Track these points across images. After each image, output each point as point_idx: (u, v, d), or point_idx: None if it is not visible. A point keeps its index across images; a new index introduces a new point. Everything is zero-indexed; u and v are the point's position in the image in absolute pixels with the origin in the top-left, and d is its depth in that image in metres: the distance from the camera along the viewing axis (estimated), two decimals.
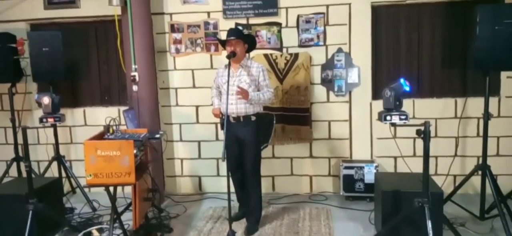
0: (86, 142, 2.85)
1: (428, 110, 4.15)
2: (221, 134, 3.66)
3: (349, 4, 4.16)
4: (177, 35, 4.42)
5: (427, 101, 4.21)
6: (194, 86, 4.45)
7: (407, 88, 2.69)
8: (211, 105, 3.76)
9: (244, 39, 3.45)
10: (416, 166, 3.85)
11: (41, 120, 3.06)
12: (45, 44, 4.00)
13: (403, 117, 2.55)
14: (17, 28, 4.47)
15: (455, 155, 4.11)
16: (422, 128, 2.49)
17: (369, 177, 3.99)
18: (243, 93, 3.23)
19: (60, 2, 4.51)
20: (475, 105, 3.99)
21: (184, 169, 4.60)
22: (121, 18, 4.14)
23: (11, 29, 4.41)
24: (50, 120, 3.05)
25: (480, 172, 3.46)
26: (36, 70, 4.04)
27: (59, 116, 3.12)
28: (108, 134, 3.08)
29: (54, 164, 4.27)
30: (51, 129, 4.20)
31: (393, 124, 2.58)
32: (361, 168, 4.04)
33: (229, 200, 3.13)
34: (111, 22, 4.27)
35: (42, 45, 3.99)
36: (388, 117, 2.56)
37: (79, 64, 4.65)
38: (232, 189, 3.60)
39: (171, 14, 4.40)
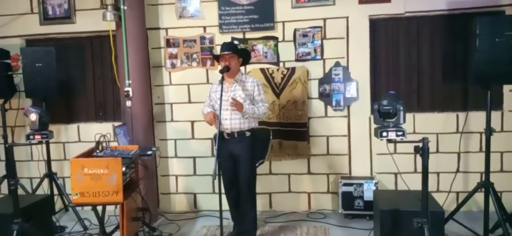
0: (72, 160, 2.77)
1: (429, 125, 4.05)
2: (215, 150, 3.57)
3: (347, 17, 4.10)
4: (173, 50, 4.37)
5: (428, 115, 4.11)
6: (189, 101, 4.38)
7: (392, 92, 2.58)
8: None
9: (238, 53, 3.39)
10: (417, 182, 3.71)
11: (28, 137, 2.99)
12: (38, 59, 3.96)
13: (400, 133, 2.44)
14: (12, 44, 4.44)
15: (457, 171, 3.98)
16: (420, 144, 2.37)
17: (369, 195, 3.86)
18: (237, 105, 3.15)
19: (55, 18, 4.49)
20: (477, 119, 3.89)
21: (179, 186, 4.50)
22: (116, 33, 4.10)
23: (7, 45, 4.38)
24: (37, 137, 2.98)
25: (483, 189, 3.32)
26: (29, 86, 4.00)
27: (46, 133, 3.05)
28: (97, 151, 3.00)
29: (47, 181, 4.18)
30: (45, 145, 4.12)
31: (390, 141, 2.47)
32: (361, 185, 3.92)
33: (221, 218, 3.03)
34: (106, 37, 4.23)
35: (35, 60, 3.95)
36: (384, 133, 2.46)
37: (73, 80, 4.60)
38: (227, 207, 3.51)
39: (166, 29, 4.36)
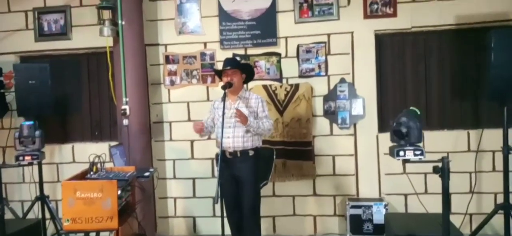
0: (64, 182, 2.58)
1: (438, 144, 3.86)
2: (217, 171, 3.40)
3: (352, 32, 3.98)
4: (172, 67, 4.22)
5: (438, 133, 3.94)
6: (189, 119, 4.21)
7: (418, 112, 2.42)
8: (207, 138, 3.51)
9: (241, 69, 3.24)
10: (428, 204, 3.59)
11: (17, 159, 2.79)
12: (32, 76, 3.80)
13: (418, 152, 2.27)
14: (6, 61, 4.29)
15: (473, 192, 3.79)
16: (440, 164, 2.20)
17: (378, 217, 3.67)
18: (241, 117, 2.99)
19: (51, 34, 4.37)
20: (490, 137, 3.71)
21: (177, 209, 4.29)
22: (113, 49, 3.97)
23: (0, 61, 4.24)
24: (27, 158, 2.79)
25: (501, 212, 3.14)
26: (21, 103, 3.83)
27: (37, 154, 2.86)
28: (91, 173, 2.81)
29: (38, 205, 3.96)
30: (37, 167, 3.93)
31: (407, 161, 2.30)
32: (369, 207, 3.73)
33: None
34: (104, 54, 4.09)
35: (29, 77, 3.79)
36: (401, 153, 2.28)
37: (69, 98, 4.44)
38: (229, 231, 3.30)
39: (166, 45, 4.23)
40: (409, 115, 2.30)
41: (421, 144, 2.35)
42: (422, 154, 2.29)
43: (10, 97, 4.11)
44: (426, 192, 3.87)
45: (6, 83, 4.19)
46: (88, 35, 4.20)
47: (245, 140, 3.13)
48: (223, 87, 3.11)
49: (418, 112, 2.43)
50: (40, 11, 4.36)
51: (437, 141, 3.88)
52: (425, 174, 3.85)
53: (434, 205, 3.59)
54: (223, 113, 2.99)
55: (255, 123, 3.08)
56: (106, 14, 3.84)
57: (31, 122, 2.96)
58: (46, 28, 4.37)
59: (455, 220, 3.72)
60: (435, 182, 3.71)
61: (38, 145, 3.11)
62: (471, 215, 3.85)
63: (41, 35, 4.37)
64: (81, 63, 4.43)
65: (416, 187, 3.78)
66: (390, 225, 2.95)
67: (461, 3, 3.85)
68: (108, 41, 3.94)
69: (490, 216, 3.22)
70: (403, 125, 2.22)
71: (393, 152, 2.32)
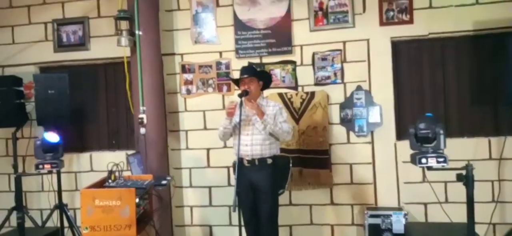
0: (83, 190, 2.60)
1: (458, 151, 3.73)
2: (234, 179, 3.38)
3: (368, 40, 3.95)
4: (188, 76, 4.25)
5: (457, 141, 3.85)
6: (205, 128, 4.23)
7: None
8: (223, 146, 3.50)
9: (258, 76, 3.24)
10: (449, 213, 3.54)
11: (36, 167, 2.83)
12: (51, 86, 3.88)
13: (441, 159, 2.21)
14: (26, 72, 4.38)
15: (497, 201, 3.69)
16: (464, 172, 2.14)
17: (398, 227, 3.58)
18: (257, 110, 3.00)
19: (69, 45, 4.45)
20: (511, 144, 3.63)
21: (194, 218, 4.28)
22: (130, 59, 4.02)
23: (21, 72, 4.33)
24: (47, 166, 2.83)
25: None
26: (41, 113, 3.91)
27: (56, 162, 2.90)
28: (110, 181, 2.83)
29: (57, 213, 4.00)
30: (55, 175, 3.97)
31: (429, 168, 2.25)
32: (388, 216, 3.65)
33: None
34: (121, 64, 4.14)
35: (48, 87, 3.88)
36: (423, 160, 2.23)
37: (87, 107, 4.51)
38: None
39: (182, 55, 4.26)
40: (429, 121, 2.25)
41: (443, 151, 2.30)
42: (445, 161, 2.24)
43: (30, 106, 4.18)
44: (446, 201, 3.78)
45: (26, 93, 4.27)
46: (106, 46, 4.28)
47: (263, 148, 3.12)
48: (240, 95, 3.11)
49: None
50: (59, 23, 4.45)
51: (457, 149, 3.77)
52: (445, 182, 3.77)
53: (455, 214, 3.55)
54: (240, 120, 2.99)
55: (272, 120, 3.05)
56: (124, 24, 3.89)
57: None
58: (65, 39, 4.45)
59: (479, 229, 3.60)
60: (456, 191, 3.70)
61: (57, 154, 3.13)
62: (494, 224, 3.75)
63: (60, 46, 4.46)
64: (99, 73, 4.50)
65: (436, 196, 3.72)
66: (412, 235, 2.88)
67: (478, 8, 3.78)
68: (125, 51, 3.99)
69: None
70: (428, 131, 2.17)
71: (415, 159, 2.27)
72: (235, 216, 4.04)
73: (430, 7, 3.86)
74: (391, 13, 3.91)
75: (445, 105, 3.95)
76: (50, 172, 3.44)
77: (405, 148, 3.78)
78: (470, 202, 2.19)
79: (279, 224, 3.36)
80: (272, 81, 3.53)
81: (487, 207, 3.70)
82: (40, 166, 2.87)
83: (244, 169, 3.10)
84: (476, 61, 3.87)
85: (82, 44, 4.41)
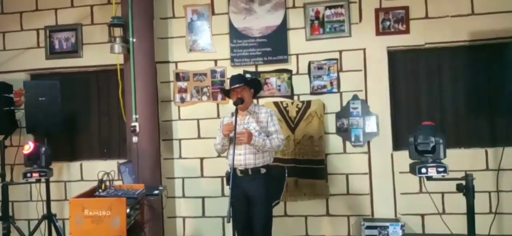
0: (72, 200, 2.51)
1: (455, 162, 3.68)
2: (228, 189, 3.30)
3: (364, 49, 3.94)
4: (183, 84, 4.19)
5: (454, 152, 3.79)
6: (199, 137, 4.16)
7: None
8: (217, 156, 3.43)
9: (249, 85, 3.21)
10: (448, 224, 3.46)
11: (24, 175, 2.74)
12: (42, 94, 3.81)
13: (441, 169, 2.17)
14: (17, 79, 4.29)
15: (496, 212, 3.64)
16: (464, 182, 2.10)
17: None
18: (243, 136, 2.93)
19: (62, 52, 4.37)
20: (509, 155, 3.60)
21: (186, 229, 4.18)
22: (124, 67, 3.96)
23: (11, 79, 4.24)
24: (35, 175, 2.73)
25: None
26: (31, 121, 3.83)
27: (45, 170, 2.80)
28: (100, 190, 2.74)
29: (45, 224, 3.88)
30: (44, 185, 3.86)
31: (429, 178, 2.20)
32: (385, 228, 3.59)
33: None
34: (114, 72, 4.08)
35: (38, 95, 3.80)
36: (423, 170, 2.18)
37: (78, 115, 4.42)
38: None
39: (176, 63, 4.21)
40: (430, 130, 2.21)
41: (444, 161, 2.25)
42: (445, 171, 2.19)
43: (20, 114, 4.08)
44: (443, 212, 3.73)
45: (16, 100, 4.17)
46: (99, 53, 4.22)
47: (257, 157, 3.06)
48: (235, 103, 3.06)
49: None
50: (52, 30, 4.38)
51: (454, 159, 3.72)
52: (443, 193, 3.72)
53: (452, 226, 3.49)
54: (235, 129, 2.93)
55: (261, 141, 3.01)
56: (117, 31, 3.83)
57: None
58: (57, 46, 4.38)
59: None
60: (453, 202, 3.66)
61: (45, 162, 3.04)
62: None
63: (52, 53, 4.38)
64: (91, 80, 4.42)
65: (434, 207, 3.65)
66: None
67: (474, 19, 3.79)
68: (118, 58, 3.93)
69: None
70: (429, 141, 2.12)
71: (415, 169, 2.22)
72: (228, 227, 3.98)
73: (427, 17, 3.86)
74: (388, 23, 3.90)
75: (441, 115, 3.93)
76: (38, 181, 3.34)
77: (401, 158, 3.79)
78: (470, 213, 2.15)
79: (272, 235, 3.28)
80: (262, 86, 3.48)
81: (484, 218, 3.65)
82: (28, 175, 2.77)
83: (238, 180, 3.03)
84: (472, 71, 3.86)
85: (74, 51, 4.34)
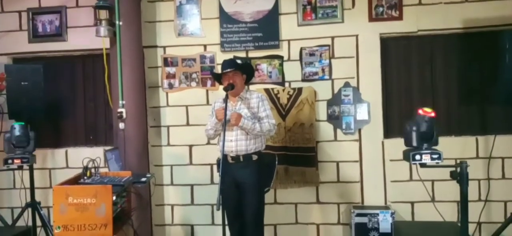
0: (55, 187, 2.43)
1: (445, 150, 3.69)
2: (217, 177, 3.25)
3: (356, 35, 3.88)
4: (171, 69, 4.09)
5: (445, 139, 3.75)
6: (188, 124, 4.07)
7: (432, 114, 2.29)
8: (206, 143, 3.37)
9: (241, 70, 3.13)
10: (436, 212, 3.49)
11: (5, 162, 2.63)
12: (24, 78, 3.65)
13: (435, 156, 2.14)
14: None
15: (486, 200, 3.65)
16: (458, 169, 2.07)
17: (385, 226, 3.52)
18: (232, 117, 2.88)
19: (45, 35, 4.22)
20: (500, 143, 3.62)
21: (175, 217, 4.12)
22: (110, 51, 3.84)
23: None
24: (17, 161, 2.63)
25: None
26: (13, 106, 3.68)
27: (27, 157, 2.69)
28: (85, 177, 2.65)
29: (29, 212, 3.78)
30: (28, 172, 3.75)
31: (423, 165, 2.17)
32: (375, 215, 3.58)
33: None
34: (100, 56, 3.96)
35: (21, 79, 3.65)
36: (418, 157, 2.15)
37: (63, 101, 4.28)
38: None
39: (164, 47, 4.10)
40: (429, 118, 2.17)
41: (438, 148, 2.22)
42: (439, 158, 2.16)
43: (1, 99, 3.95)
44: (433, 199, 3.73)
45: None
46: (84, 37, 4.07)
47: (248, 144, 3.00)
48: (225, 89, 2.99)
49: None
50: (35, 12, 4.21)
51: (445, 147, 3.72)
52: (433, 181, 3.72)
53: (442, 213, 3.51)
54: (225, 115, 2.86)
55: (250, 124, 2.95)
56: (103, 14, 3.70)
57: (22, 123, 2.79)
58: (40, 29, 4.22)
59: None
60: (443, 189, 3.67)
61: (29, 148, 2.93)
62: (479, 223, 3.72)
63: (35, 36, 4.22)
64: (76, 64, 4.29)
65: (423, 195, 3.67)
66: (401, 234, 2.81)
67: (468, 6, 3.76)
68: (104, 42, 3.81)
69: (506, 223, 3.08)
70: (424, 127, 2.08)
71: (409, 156, 2.19)
72: (218, 215, 3.93)
73: (420, 3, 3.81)
74: (381, 9, 3.84)
75: (433, 103, 3.90)
76: (20, 168, 3.22)
77: (392, 146, 3.78)
78: (464, 200, 2.13)
79: (264, 224, 3.24)
80: (254, 72, 3.42)
81: (473, 206, 3.66)
82: (9, 161, 2.66)
83: (229, 166, 2.98)
84: (465, 59, 3.84)
85: (58, 34, 4.19)
